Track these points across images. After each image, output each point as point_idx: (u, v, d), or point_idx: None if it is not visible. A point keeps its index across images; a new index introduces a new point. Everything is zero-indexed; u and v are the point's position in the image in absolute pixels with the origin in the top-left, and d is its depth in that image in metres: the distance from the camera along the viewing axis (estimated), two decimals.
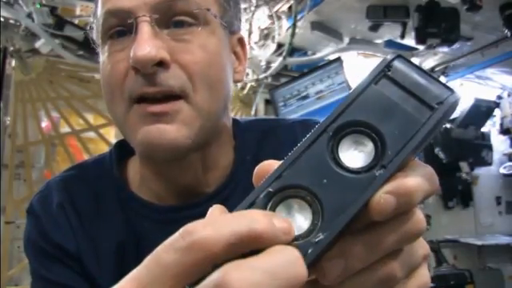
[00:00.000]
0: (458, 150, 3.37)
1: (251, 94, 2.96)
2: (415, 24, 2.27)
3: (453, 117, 2.98)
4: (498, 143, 3.73)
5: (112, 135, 2.54)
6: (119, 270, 0.60)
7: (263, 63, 2.75)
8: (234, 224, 0.22)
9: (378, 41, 2.74)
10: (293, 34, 2.40)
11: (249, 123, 0.70)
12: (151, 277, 0.22)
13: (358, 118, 0.26)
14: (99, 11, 0.56)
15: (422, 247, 0.30)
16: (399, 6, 2.28)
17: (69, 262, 0.60)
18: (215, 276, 0.21)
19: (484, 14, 2.21)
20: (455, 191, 3.45)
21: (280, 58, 2.57)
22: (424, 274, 0.30)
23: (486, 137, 3.66)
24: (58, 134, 2.42)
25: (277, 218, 0.24)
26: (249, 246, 0.22)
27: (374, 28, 2.42)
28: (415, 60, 2.88)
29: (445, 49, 2.56)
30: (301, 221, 0.25)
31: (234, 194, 0.62)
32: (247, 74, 2.77)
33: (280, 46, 2.65)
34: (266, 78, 2.78)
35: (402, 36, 2.45)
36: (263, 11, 2.57)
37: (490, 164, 3.62)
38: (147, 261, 0.22)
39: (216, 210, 0.26)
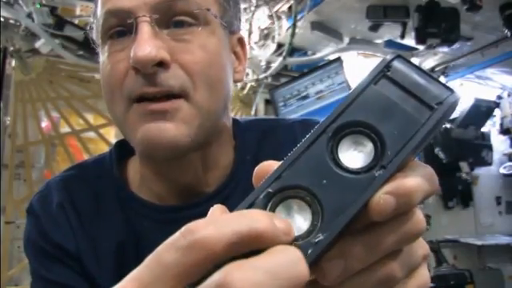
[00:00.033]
0: (457, 150, 3.37)
1: (251, 94, 2.96)
2: (415, 24, 2.27)
3: (453, 117, 2.98)
4: (498, 143, 3.73)
5: (112, 135, 2.54)
6: (119, 269, 0.60)
7: (263, 63, 2.75)
8: (235, 223, 0.22)
9: (378, 41, 2.74)
10: (293, 34, 2.40)
11: (249, 123, 0.70)
12: (152, 276, 0.22)
13: (357, 119, 0.26)
14: (99, 11, 0.56)
15: (421, 247, 0.30)
16: (399, 6, 2.28)
17: (69, 261, 0.60)
18: (217, 276, 0.21)
19: (484, 14, 2.21)
20: (455, 191, 3.45)
21: (280, 58, 2.57)
22: (424, 274, 0.30)
23: (486, 137, 3.66)
24: (58, 134, 2.42)
25: (277, 218, 0.24)
26: (250, 246, 0.22)
27: (374, 28, 2.42)
28: (415, 60, 2.88)
29: (445, 49, 2.56)
30: (300, 221, 0.25)
31: (234, 193, 0.62)
32: (247, 74, 2.77)
33: (280, 45, 2.65)
34: (266, 77, 2.78)
35: (402, 36, 2.45)
36: (263, 11, 2.57)
37: (490, 164, 3.62)
38: (148, 260, 0.22)
39: (217, 210, 0.26)
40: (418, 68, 0.27)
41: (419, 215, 0.27)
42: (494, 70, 3.13)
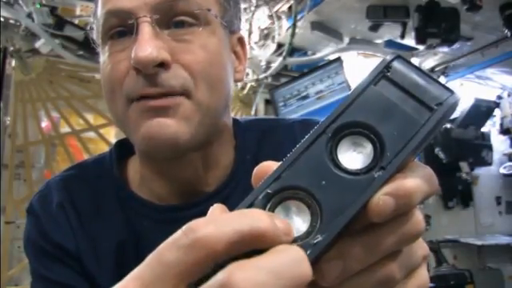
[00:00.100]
0: (457, 150, 3.37)
1: (251, 94, 2.96)
2: (415, 24, 2.26)
3: (453, 117, 2.98)
4: (498, 143, 3.73)
5: (112, 135, 2.54)
6: (119, 269, 0.60)
7: (263, 63, 2.75)
8: (236, 222, 0.22)
9: (378, 41, 2.74)
10: (293, 34, 2.40)
11: (249, 123, 0.71)
12: (154, 275, 0.22)
13: (356, 119, 0.26)
14: (99, 11, 0.56)
15: (421, 248, 0.30)
16: (399, 6, 2.28)
17: (69, 261, 0.60)
18: (220, 276, 0.21)
19: (484, 14, 2.21)
20: (455, 191, 3.44)
21: (280, 58, 2.57)
22: (423, 275, 0.30)
23: (486, 137, 3.66)
24: (58, 134, 2.42)
25: (277, 218, 0.24)
26: (251, 245, 0.22)
27: (374, 28, 2.42)
28: (415, 60, 2.88)
29: (445, 49, 2.56)
30: (299, 222, 0.25)
31: (235, 193, 0.62)
32: (247, 74, 2.77)
33: (280, 45, 2.65)
34: (266, 77, 2.78)
35: (402, 36, 2.45)
36: (263, 11, 2.57)
37: (490, 164, 3.61)
38: (149, 259, 0.22)
39: (216, 209, 0.26)
40: (417, 69, 0.27)
41: (418, 216, 0.27)
42: (494, 69, 3.13)
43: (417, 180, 0.26)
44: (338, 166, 0.26)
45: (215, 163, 0.62)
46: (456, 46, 2.43)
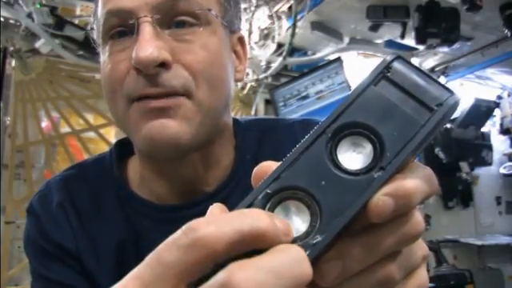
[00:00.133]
0: (457, 150, 3.37)
1: (251, 94, 2.96)
2: (415, 24, 2.26)
3: (453, 117, 2.97)
4: (498, 143, 3.73)
5: (112, 135, 2.55)
6: (119, 268, 0.60)
7: (263, 63, 2.75)
8: (236, 222, 0.22)
9: (378, 41, 2.74)
10: (293, 34, 2.40)
11: (249, 123, 0.71)
12: (153, 275, 0.22)
13: (356, 120, 0.26)
14: (100, 11, 0.56)
15: (420, 248, 0.30)
16: (399, 5, 2.28)
17: (69, 261, 0.61)
18: (221, 276, 0.21)
19: (484, 14, 2.21)
20: (455, 191, 3.44)
21: (280, 58, 2.57)
22: (422, 275, 0.30)
23: (486, 137, 3.66)
24: (58, 134, 2.42)
25: (276, 218, 0.24)
26: (251, 245, 0.22)
27: (374, 28, 2.42)
28: (415, 60, 2.88)
29: (445, 49, 2.56)
30: (299, 222, 0.25)
31: (234, 193, 0.62)
32: (247, 74, 2.77)
33: (280, 45, 2.65)
34: (266, 77, 2.78)
35: (402, 36, 2.45)
36: (263, 11, 2.57)
37: (490, 164, 3.61)
38: (149, 259, 0.22)
39: (216, 209, 0.26)
40: (417, 69, 0.27)
41: (418, 217, 0.27)
42: (494, 69, 3.13)
43: (416, 180, 0.26)
44: (337, 166, 0.26)
45: (215, 163, 0.62)
46: (456, 46, 2.43)
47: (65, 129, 2.45)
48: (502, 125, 3.71)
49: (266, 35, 2.72)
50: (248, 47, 0.68)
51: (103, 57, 0.57)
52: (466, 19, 2.26)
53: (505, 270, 3.25)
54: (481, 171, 3.62)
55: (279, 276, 0.21)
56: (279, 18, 2.58)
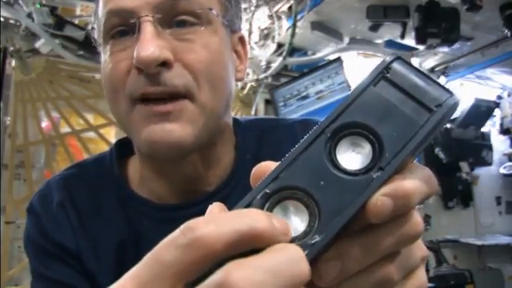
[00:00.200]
0: (457, 150, 3.37)
1: (251, 94, 2.96)
2: (415, 24, 2.26)
3: (453, 117, 2.97)
4: (498, 143, 3.73)
5: (112, 135, 2.55)
6: (119, 268, 0.60)
7: (263, 63, 2.75)
8: (235, 222, 0.22)
9: (378, 41, 2.74)
10: (293, 34, 2.40)
11: (249, 122, 0.71)
12: (151, 274, 0.22)
13: (356, 120, 0.26)
14: (100, 11, 0.56)
15: (419, 249, 0.30)
16: (399, 5, 2.28)
17: (69, 260, 0.61)
18: (218, 275, 0.21)
19: (484, 14, 2.20)
20: (455, 191, 3.44)
21: (280, 58, 2.57)
22: (421, 276, 0.30)
23: (486, 137, 3.66)
24: (58, 134, 2.42)
25: (275, 218, 0.24)
26: (249, 245, 0.22)
27: (374, 28, 2.42)
28: (415, 60, 2.88)
29: (445, 49, 2.56)
30: (297, 222, 0.25)
31: (235, 192, 0.62)
32: (247, 74, 2.77)
33: (280, 45, 2.65)
34: (266, 77, 2.78)
35: (402, 36, 2.45)
36: (263, 11, 2.57)
37: (490, 164, 3.61)
38: (147, 258, 0.22)
39: (215, 208, 0.26)
40: (417, 70, 0.27)
41: (417, 217, 0.27)
42: (494, 69, 3.13)
43: (415, 181, 0.26)
44: (336, 166, 0.26)
45: (216, 162, 0.62)
46: (456, 46, 2.43)
47: (65, 129, 2.45)
48: (501, 125, 3.71)
49: (266, 35, 2.72)
50: (248, 47, 0.68)
51: (104, 56, 0.57)
52: (466, 19, 2.26)
53: (505, 270, 3.25)
54: (481, 171, 3.62)
55: (276, 275, 0.21)
56: (279, 17, 2.58)
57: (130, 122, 0.55)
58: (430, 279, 2.69)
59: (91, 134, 2.49)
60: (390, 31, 2.51)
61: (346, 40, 2.71)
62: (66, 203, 0.62)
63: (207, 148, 0.59)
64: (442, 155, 3.31)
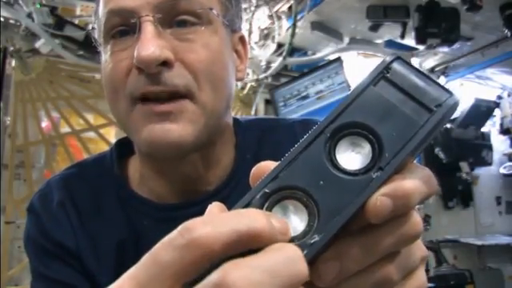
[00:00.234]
0: (457, 150, 3.37)
1: (251, 94, 2.96)
2: (415, 24, 2.26)
3: (453, 117, 2.97)
4: (498, 143, 3.73)
5: (112, 135, 2.55)
6: (119, 268, 0.60)
7: (263, 63, 2.75)
8: (233, 222, 0.22)
9: (378, 41, 2.74)
10: (293, 34, 2.40)
11: (249, 122, 0.71)
12: (149, 275, 0.22)
13: (355, 120, 0.26)
14: (101, 10, 0.56)
15: (419, 249, 0.30)
16: (399, 5, 2.28)
17: (69, 259, 0.61)
18: (215, 275, 0.21)
19: (484, 14, 2.20)
20: (455, 191, 3.44)
21: (280, 58, 2.57)
22: (421, 277, 0.30)
23: (486, 137, 3.66)
24: (58, 134, 2.42)
25: (274, 218, 0.24)
26: (247, 245, 0.22)
27: (374, 28, 2.42)
28: (415, 60, 2.88)
29: (445, 49, 2.56)
30: (296, 222, 0.25)
31: (235, 192, 0.62)
32: (247, 74, 2.77)
33: (280, 45, 2.65)
34: (266, 77, 2.78)
35: (402, 36, 2.45)
36: (263, 11, 2.57)
37: (490, 164, 3.61)
38: (145, 259, 0.22)
39: (214, 208, 0.26)
40: (417, 70, 0.27)
41: (417, 217, 0.27)
42: (494, 69, 3.13)
43: (415, 181, 0.26)
44: (336, 166, 0.26)
45: (216, 162, 0.62)
46: (456, 46, 2.43)
47: (65, 129, 2.45)
48: (502, 125, 3.71)
49: (266, 35, 2.72)
50: (248, 47, 0.68)
51: (104, 56, 0.57)
52: (466, 19, 2.26)
53: (505, 270, 3.25)
54: (481, 171, 3.62)
55: (274, 275, 0.21)
56: (279, 17, 2.58)
57: (130, 122, 0.55)
58: (430, 279, 2.69)
59: (91, 134, 2.49)
60: (390, 31, 2.51)
61: (346, 40, 2.71)
62: (67, 203, 0.63)
63: (207, 148, 0.59)
64: (442, 155, 3.31)
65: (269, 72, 2.70)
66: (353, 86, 2.56)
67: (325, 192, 0.25)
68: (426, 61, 3.05)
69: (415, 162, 0.29)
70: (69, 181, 0.65)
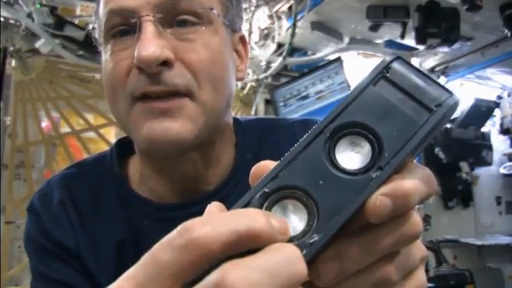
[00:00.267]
0: (458, 150, 3.37)
1: (251, 94, 2.96)
2: (415, 24, 2.27)
3: (453, 117, 2.97)
4: (498, 143, 3.73)
5: (112, 135, 2.55)
6: (119, 267, 0.60)
7: (263, 63, 2.75)
8: (232, 222, 0.22)
9: (378, 41, 2.74)
10: (293, 34, 2.40)
11: (249, 122, 0.71)
12: (148, 275, 0.22)
13: (355, 120, 0.26)
14: (101, 10, 0.56)
15: (418, 249, 0.30)
16: (399, 5, 2.28)
17: (69, 259, 0.61)
18: (214, 276, 0.21)
19: (484, 14, 2.20)
20: (455, 191, 3.44)
21: (280, 58, 2.57)
22: (420, 277, 0.30)
23: (486, 137, 3.66)
24: (58, 134, 2.42)
25: (273, 217, 0.24)
26: (247, 245, 0.22)
27: (374, 28, 2.42)
28: (415, 60, 2.88)
29: (445, 49, 2.56)
30: (296, 222, 0.25)
31: (234, 192, 0.62)
32: (247, 74, 2.77)
33: (280, 45, 2.65)
34: (266, 77, 2.78)
35: (402, 36, 2.45)
36: (263, 11, 2.57)
37: (490, 164, 3.61)
38: (144, 259, 0.22)
39: (214, 208, 0.26)
40: (417, 70, 0.27)
41: (416, 217, 0.27)
42: (494, 69, 3.13)
43: (415, 181, 0.26)
44: (335, 165, 0.26)
45: (216, 162, 0.62)
46: (456, 46, 2.43)
47: (65, 129, 2.45)
48: (502, 125, 3.71)
49: (266, 35, 2.72)
50: (248, 47, 0.68)
51: (105, 56, 0.57)
52: (466, 19, 2.26)
53: (505, 270, 3.25)
54: (481, 171, 3.62)
55: (273, 275, 0.21)
56: (279, 17, 2.58)
57: (130, 120, 0.55)
58: (430, 279, 2.69)
59: (91, 134, 2.49)
60: (390, 31, 2.51)
61: (346, 40, 2.71)
62: (67, 202, 0.63)
63: (207, 147, 0.59)
64: (442, 155, 3.31)
65: (269, 72, 2.70)
66: (353, 85, 2.56)
67: (324, 192, 0.25)
68: (426, 61, 3.05)
69: (415, 161, 0.29)
70: (69, 180, 0.65)
